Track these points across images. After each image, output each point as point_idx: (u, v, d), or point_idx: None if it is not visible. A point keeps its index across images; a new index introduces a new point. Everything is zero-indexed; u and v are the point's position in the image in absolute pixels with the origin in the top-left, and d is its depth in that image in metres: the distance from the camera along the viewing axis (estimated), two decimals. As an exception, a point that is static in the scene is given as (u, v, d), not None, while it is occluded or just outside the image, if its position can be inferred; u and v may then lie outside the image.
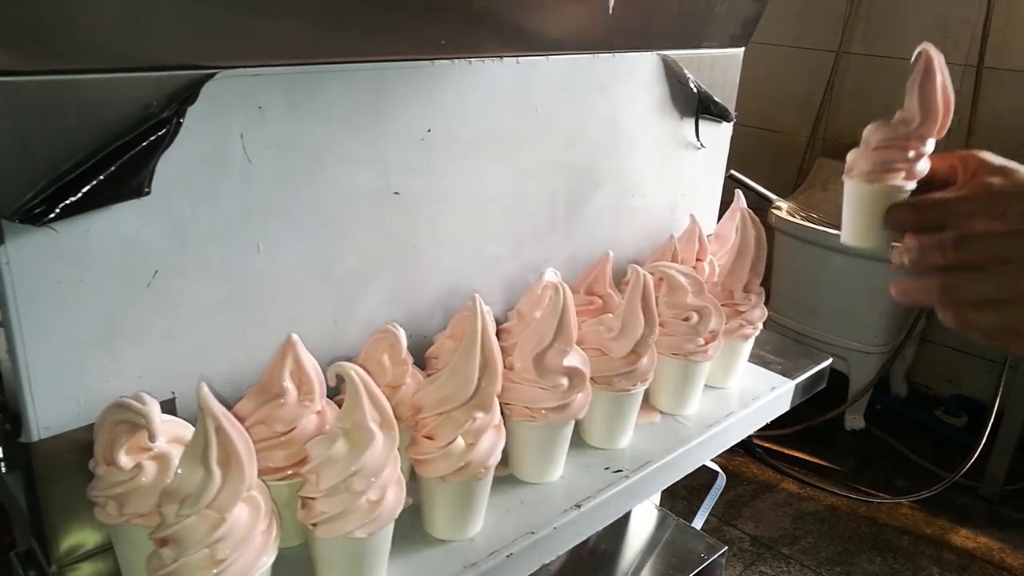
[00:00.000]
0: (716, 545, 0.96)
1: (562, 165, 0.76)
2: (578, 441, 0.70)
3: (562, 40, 0.71)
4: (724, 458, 1.30)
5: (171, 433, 0.48)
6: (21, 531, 0.60)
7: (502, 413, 0.62)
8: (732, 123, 0.93)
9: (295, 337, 0.53)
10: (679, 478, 0.75)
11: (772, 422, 0.87)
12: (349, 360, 0.61)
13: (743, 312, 0.80)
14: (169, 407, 0.54)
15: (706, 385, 0.81)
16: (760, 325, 0.82)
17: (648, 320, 0.67)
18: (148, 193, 0.48)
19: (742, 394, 0.83)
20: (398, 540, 0.54)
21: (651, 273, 0.75)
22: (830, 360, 0.92)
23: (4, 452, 0.61)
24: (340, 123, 0.58)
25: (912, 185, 0.56)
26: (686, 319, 0.74)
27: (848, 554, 1.83)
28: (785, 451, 2.15)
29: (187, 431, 0.49)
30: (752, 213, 0.79)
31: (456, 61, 0.63)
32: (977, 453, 1.90)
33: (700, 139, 0.89)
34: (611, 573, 0.86)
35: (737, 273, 0.79)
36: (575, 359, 0.62)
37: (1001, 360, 2.08)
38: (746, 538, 1.86)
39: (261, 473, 0.52)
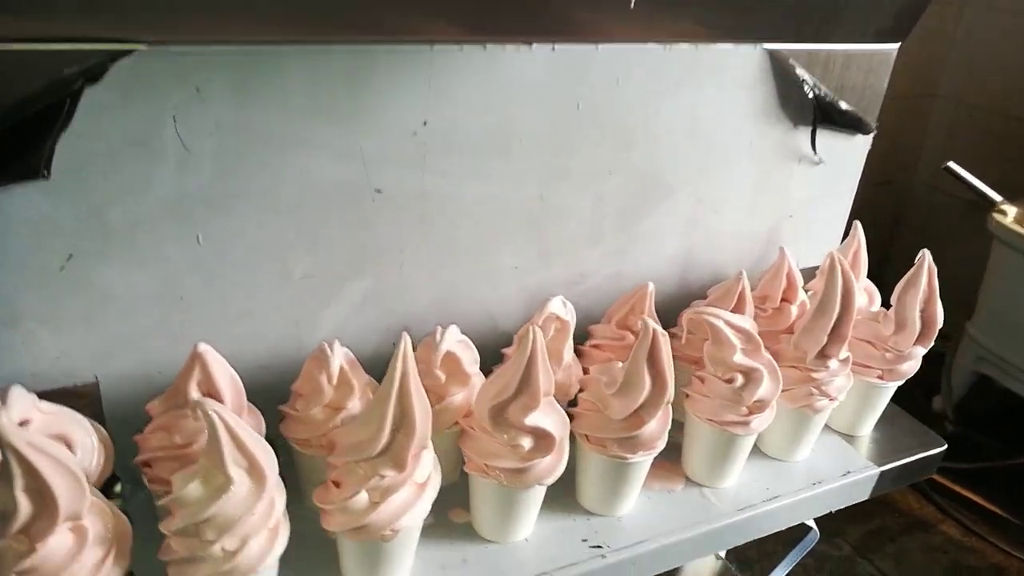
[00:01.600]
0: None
1: (612, 170, 0.64)
2: (570, 496, 0.61)
3: (636, 30, 0.58)
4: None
5: (52, 428, 0.45)
6: None
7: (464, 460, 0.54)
8: (871, 135, 0.74)
9: (203, 347, 0.48)
10: (691, 560, 0.63)
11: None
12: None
13: (816, 379, 0.64)
14: (91, 391, 0.52)
15: (767, 456, 0.67)
16: (841, 397, 0.66)
17: (657, 383, 0.55)
18: (47, 176, 0.44)
19: (805, 473, 0.68)
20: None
21: (693, 320, 0.62)
22: (944, 447, 0.74)
23: None
24: (303, 109, 0.50)
25: None
26: (729, 380, 0.61)
27: (1003, 624, 1.56)
28: (956, 488, 1.84)
29: (77, 427, 0.46)
30: (843, 262, 0.62)
31: (463, 45, 0.54)
32: None
33: (818, 153, 0.72)
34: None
35: (814, 334, 0.63)
36: (543, 418, 0.52)
37: None
38: (880, 577, 1.64)
39: (154, 483, 0.49)
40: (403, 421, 0.46)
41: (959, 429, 1.81)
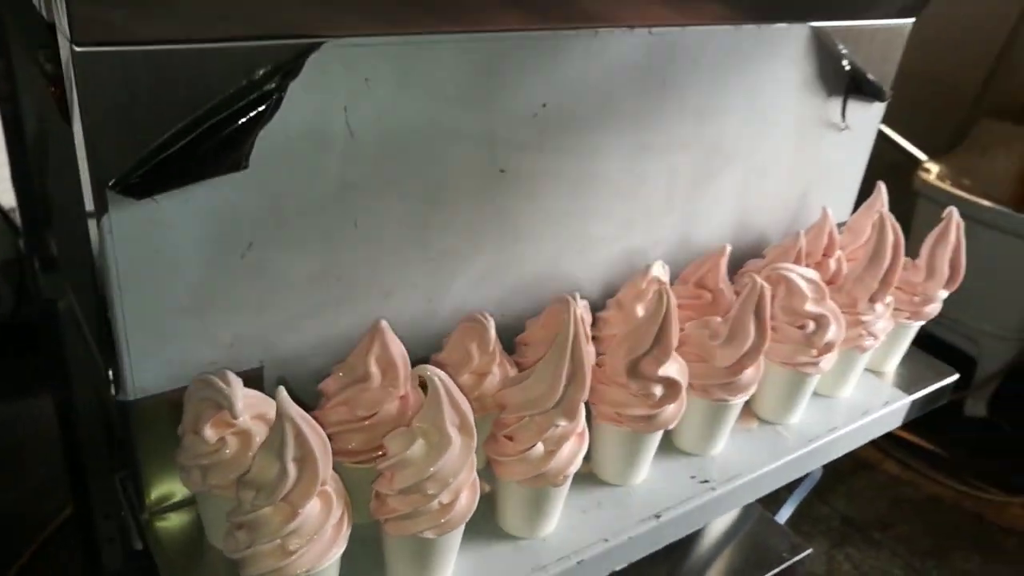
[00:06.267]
0: (800, 545, 0.92)
1: (687, 143, 0.70)
2: (667, 442, 0.67)
3: (703, 9, 0.64)
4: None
5: (255, 409, 0.48)
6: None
7: (587, 411, 0.59)
8: (886, 103, 0.83)
9: (383, 324, 0.52)
10: (770, 491, 0.71)
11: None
12: (440, 340, 0.60)
13: (865, 322, 0.73)
14: (256, 376, 0.54)
15: (815, 393, 0.75)
16: (883, 337, 0.75)
17: (760, 332, 0.62)
18: (247, 167, 0.47)
19: (851, 407, 0.77)
20: (469, 531, 0.53)
21: (770, 276, 0.69)
22: (956, 376, 0.84)
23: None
24: (450, 97, 0.54)
25: None
26: (801, 327, 0.68)
27: (944, 548, 1.74)
28: (894, 430, 2.03)
29: (270, 407, 0.49)
30: (893, 218, 0.70)
31: (580, 31, 0.58)
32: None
33: (846, 120, 0.80)
34: (682, 564, 0.84)
35: (866, 282, 0.71)
36: (671, 368, 0.58)
37: None
38: (837, 516, 1.80)
39: (338, 455, 0.52)
40: (575, 376, 0.52)
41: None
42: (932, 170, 2.13)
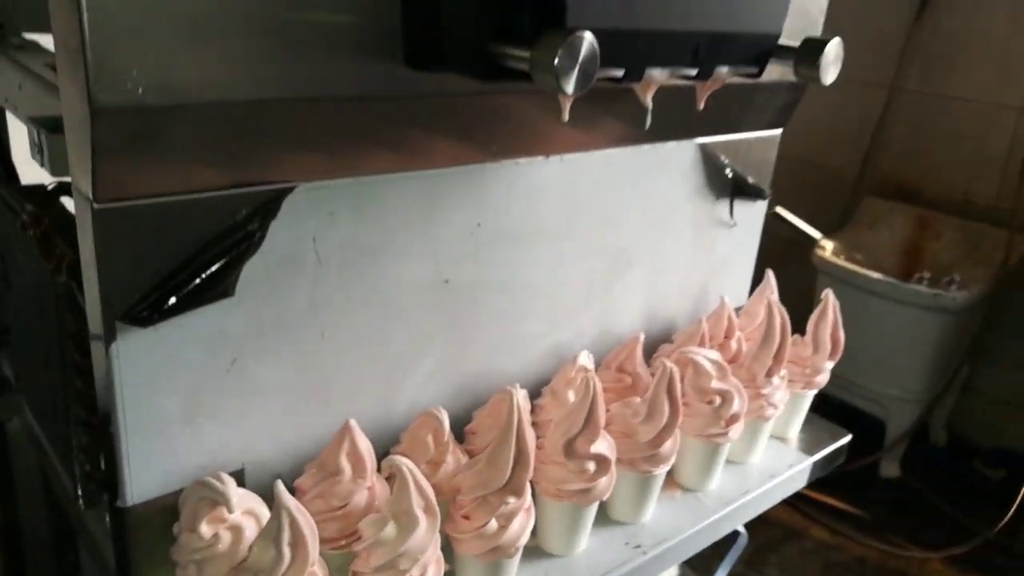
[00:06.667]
0: (731, 606, 1.00)
1: (598, 249, 0.82)
2: (603, 513, 0.76)
3: (604, 138, 0.77)
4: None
5: (244, 506, 0.55)
6: (95, 561, 0.67)
7: (532, 490, 0.68)
8: (767, 200, 0.98)
9: (352, 423, 0.60)
10: (697, 551, 0.80)
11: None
12: (397, 433, 0.68)
13: (765, 395, 0.84)
14: (239, 478, 0.61)
15: (729, 460, 0.85)
16: (781, 407, 0.87)
17: (673, 409, 0.72)
18: (232, 295, 0.55)
19: (761, 471, 0.87)
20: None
21: (679, 359, 0.80)
22: (849, 437, 0.96)
23: (84, 489, 0.70)
24: (399, 223, 0.64)
25: None
26: (710, 402, 0.79)
27: (874, 607, 1.84)
28: (816, 496, 2.15)
29: (258, 504, 0.56)
30: (779, 304, 0.83)
31: (503, 163, 0.70)
32: (1014, 509, 1.89)
33: (734, 218, 0.94)
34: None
35: (762, 360, 0.83)
36: (601, 446, 0.68)
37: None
38: (772, 585, 1.88)
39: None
40: (520, 458, 0.60)
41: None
42: (827, 247, 2.34)
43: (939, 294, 2.13)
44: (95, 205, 0.49)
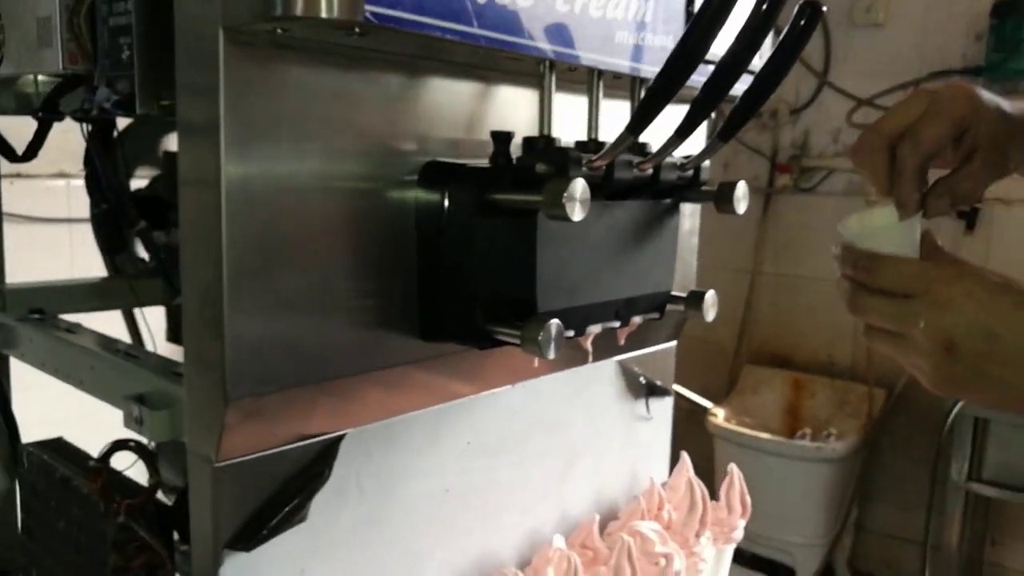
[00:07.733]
0: None
1: (553, 449, 1.03)
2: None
3: (554, 366, 1.01)
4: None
5: None
6: None
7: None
8: (672, 397, 1.23)
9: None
10: None
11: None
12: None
13: (696, 552, 1.05)
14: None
15: (673, 612, 1.04)
16: (710, 560, 1.07)
17: (632, 573, 0.92)
18: (306, 520, 0.73)
19: (701, 619, 1.06)
20: None
21: (629, 531, 1.01)
22: (767, 582, 1.17)
23: None
24: (415, 451, 0.84)
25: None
26: (656, 563, 0.99)
27: None
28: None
29: None
30: (697, 479, 1.06)
31: (483, 394, 0.92)
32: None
33: (650, 412, 1.19)
34: None
35: (691, 524, 1.05)
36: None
37: (922, 541, 2.33)
38: None
39: None
40: (526, 626, 0.78)
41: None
42: (719, 414, 2.64)
43: (820, 447, 2.45)
44: (216, 466, 0.67)
